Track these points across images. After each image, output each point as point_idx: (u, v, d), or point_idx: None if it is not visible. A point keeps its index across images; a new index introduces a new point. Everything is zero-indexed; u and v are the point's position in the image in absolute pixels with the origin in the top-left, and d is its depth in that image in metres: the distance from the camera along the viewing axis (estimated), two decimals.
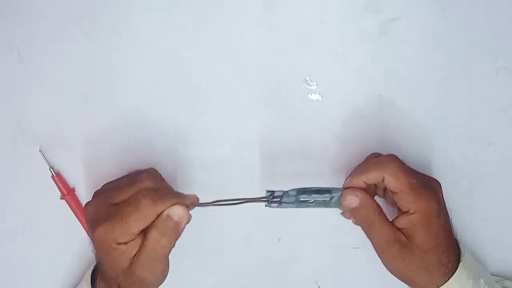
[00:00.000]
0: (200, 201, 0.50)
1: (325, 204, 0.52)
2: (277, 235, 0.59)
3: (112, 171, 0.58)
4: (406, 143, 0.58)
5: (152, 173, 0.51)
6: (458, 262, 0.51)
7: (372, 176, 0.50)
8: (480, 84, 0.59)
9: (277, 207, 0.51)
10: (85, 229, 0.57)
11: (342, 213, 0.54)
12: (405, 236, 0.50)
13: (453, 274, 0.50)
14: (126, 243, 0.47)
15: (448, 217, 0.51)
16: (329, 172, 0.58)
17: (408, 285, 0.52)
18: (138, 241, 0.48)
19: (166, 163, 0.57)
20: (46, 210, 0.57)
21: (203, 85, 0.58)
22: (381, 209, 0.51)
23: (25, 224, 0.58)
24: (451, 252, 0.51)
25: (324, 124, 0.58)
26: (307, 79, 0.58)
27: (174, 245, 0.49)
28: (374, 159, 0.51)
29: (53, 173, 0.57)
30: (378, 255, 0.51)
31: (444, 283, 0.50)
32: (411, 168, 0.51)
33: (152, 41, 0.58)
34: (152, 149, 0.58)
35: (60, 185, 0.57)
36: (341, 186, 0.51)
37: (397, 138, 0.58)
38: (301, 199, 0.51)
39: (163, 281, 0.51)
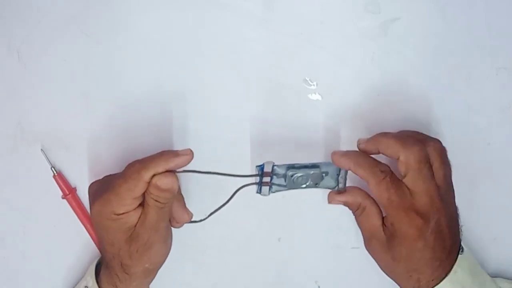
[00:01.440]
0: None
1: (316, 181, 0.53)
2: (277, 235, 0.59)
3: (112, 171, 0.58)
4: None
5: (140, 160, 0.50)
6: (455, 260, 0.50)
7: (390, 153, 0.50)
8: (480, 84, 0.58)
9: (268, 192, 0.52)
10: (86, 229, 0.57)
11: (328, 200, 0.54)
12: (390, 232, 0.50)
13: (443, 278, 0.50)
14: (123, 213, 0.48)
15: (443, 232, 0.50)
16: None
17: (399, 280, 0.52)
18: (138, 211, 0.49)
19: None
20: (47, 210, 0.58)
21: (203, 85, 0.58)
22: (369, 201, 0.51)
23: (25, 224, 0.58)
24: (442, 257, 0.50)
25: (324, 124, 0.58)
26: (307, 79, 0.58)
27: (172, 204, 0.49)
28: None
29: (55, 172, 0.57)
30: (365, 244, 0.53)
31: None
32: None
33: (152, 41, 0.58)
34: (152, 149, 0.58)
35: (61, 184, 0.57)
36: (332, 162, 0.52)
37: None
38: (290, 174, 0.52)
39: (167, 248, 0.51)
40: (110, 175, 0.53)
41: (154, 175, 0.47)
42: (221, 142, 0.58)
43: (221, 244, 0.58)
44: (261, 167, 0.52)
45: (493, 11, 0.58)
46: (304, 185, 0.53)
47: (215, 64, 0.58)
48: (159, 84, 0.58)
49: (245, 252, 0.58)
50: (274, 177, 0.53)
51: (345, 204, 0.53)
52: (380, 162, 0.51)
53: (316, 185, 0.53)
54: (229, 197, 0.52)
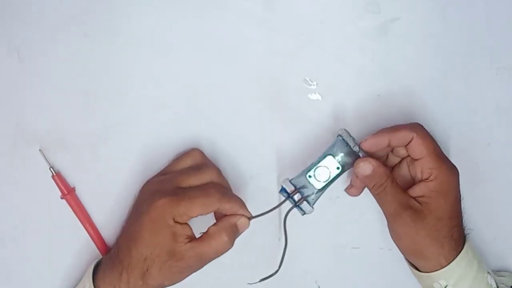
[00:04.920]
0: None
1: (336, 165, 0.53)
2: (277, 235, 0.59)
3: (111, 171, 0.58)
4: None
5: (216, 169, 0.53)
6: (464, 242, 0.52)
7: (401, 135, 0.51)
8: (480, 84, 0.59)
9: (311, 206, 0.53)
10: (85, 229, 0.57)
11: (346, 189, 0.55)
12: (419, 203, 0.51)
13: (461, 250, 0.51)
14: (181, 224, 0.49)
15: (461, 198, 0.52)
16: None
17: (416, 259, 0.53)
18: (188, 229, 0.50)
19: (166, 163, 0.57)
20: (46, 210, 0.57)
21: (203, 85, 0.58)
22: (393, 176, 0.52)
23: (25, 224, 0.58)
24: (461, 229, 0.52)
25: (324, 124, 0.58)
26: (307, 79, 0.58)
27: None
28: (402, 124, 0.53)
29: (54, 172, 0.57)
30: (389, 223, 0.53)
31: (453, 259, 0.51)
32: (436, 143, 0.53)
33: (152, 41, 0.58)
34: (152, 149, 0.58)
35: (60, 184, 0.57)
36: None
37: None
38: (309, 176, 0.53)
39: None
40: (167, 178, 0.52)
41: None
42: (221, 142, 0.58)
43: None
44: (283, 190, 0.53)
45: (493, 11, 0.58)
46: (332, 177, 0.53)
47: (215, 64, 0.58)
48: (159, 84, 0.58)
49: (245, 252, 0.58)
50: (301, 190, 0.53)
51: (375, 173, 0.52)
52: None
53: (342, 168, 0.53)
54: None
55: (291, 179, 0.53)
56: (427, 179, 0.51)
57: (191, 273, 0.51)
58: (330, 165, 0.53)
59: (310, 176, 0.53)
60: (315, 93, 0.58)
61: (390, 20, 0.58)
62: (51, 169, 0.57)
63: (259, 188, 0.58)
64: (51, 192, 0.57)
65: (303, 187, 0.53)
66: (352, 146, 0.52)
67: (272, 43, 0.58)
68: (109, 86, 0.58)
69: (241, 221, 0.51)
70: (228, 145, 0.58)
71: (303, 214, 0.53)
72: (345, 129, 0.53)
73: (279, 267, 0.53)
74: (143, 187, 0.54)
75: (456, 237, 0.51)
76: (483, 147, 0.59)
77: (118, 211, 0.57)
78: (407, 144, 0.51)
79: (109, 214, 0.58)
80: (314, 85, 0.58)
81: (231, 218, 0.51)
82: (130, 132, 0.58)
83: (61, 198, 0.57)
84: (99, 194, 0.58)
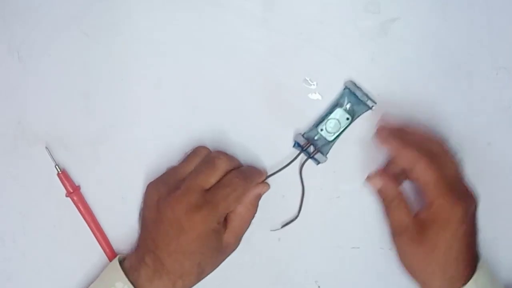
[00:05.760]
0: None
1: (346, 115, 0.56)
2: (277, 235, 0.59)
3: (111, 172, 0.58)
4: None
5: (224, 156, 0.54)
6: (471, 276, 0.51)
7: (404, 160, 0.52)
8: (480, 83, 0.58)
9: (325, 156, 0.56)
10: (89, 227, 0.57)
11: (370, 181, 0.56)
12: (422, 227, 0.51)
13: (465, 283, 0.50)
14: (219, 223, 0.52)
15: (473, 232, 0.52)
16: (329, 171, 0.58)
17: (415, 279, 0.53)
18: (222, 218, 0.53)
19: (167, 163, 0.57)
20: (46, 210, 0.58)
21: (203, 85, 0.58)
22: (401, 194, 0.53)
23: (26, 224, 0.58)
24: (462, 265, 0.51)
25: None
26: (307, 79, 0.58)
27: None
28: (420, 141, 0.53)
29: (59, 170, 0.57)
30: (391, 238, 0.54)
31: None
32: (453, 170, 0.52)
33: (152, 41, 0.58)
34: (152, 149, 0.58)
35: (66, 182, 0.56)
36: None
37: None
38: (321, 129, 0.56)
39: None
40: (190, 187, 0.52)
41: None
42: (221, 141, 0.58)
43: None
44: (297, 144, 0.56)
45: (494, 11, 0.58)
46: (343, 128, 0.56)
47: (215, 64, 0.58)
48: (159, 84, 0.58)
49: (245, 252, 0.58)
50: (314, 141, 0.56)
51: (383, 189, 0.54)
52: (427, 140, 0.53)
53: (352, 118, 0.56)
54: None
55: (303, 133, 0.57)
56: (429, 206, 0.51)
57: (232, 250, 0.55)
58: (340, 117, 0.56)
59: (321, 130, 0.56)
60: (315, 93, 0.58)
61: (390, 20, 0.58)
62: (57, 166, 0.57)
63: None
64: (52, 192, 0.57)
65: (316, 139, 0.56)
66: (359, 96, 0.56)
67: (272, 43, 0.58)
68: (109, 86, 0.58)
69: (264, 189, 0.55)
70: (228, 145, 0.58)
71: (317, 164, 0.57)
72: (351, 81, 0.56)
73: (298, 213, 0.57)
74: (162, 199, 0.52)
75: (452, 273, 0.50)
76: (483, 147, 0.59)
77: (120, 212, 0.57)
78: (412, 168, 0.51)
79: (109, 215, 0.58)
80: (314, 85, 0.58)
81: (253, 189, 0.54)
82: (130, 131, 0.58)
83: (66, 196, 0.57)
84: (99, 194, 0.58)
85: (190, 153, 0.56)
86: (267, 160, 0.58)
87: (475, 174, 0.57)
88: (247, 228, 0.55)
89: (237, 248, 0.55)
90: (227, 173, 0.53)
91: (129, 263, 0.52)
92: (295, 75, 0.58)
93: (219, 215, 0.51)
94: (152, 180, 0.55)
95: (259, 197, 0.54)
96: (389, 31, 0.58)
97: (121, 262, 0.53)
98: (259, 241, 0.58)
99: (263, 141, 0.58)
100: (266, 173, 0.56)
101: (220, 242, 0.52)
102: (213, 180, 0.52)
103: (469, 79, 0.58)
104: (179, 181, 0.52)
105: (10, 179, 0.58)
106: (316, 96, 0.58)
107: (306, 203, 0.58)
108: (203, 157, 0.54)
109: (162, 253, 0.51)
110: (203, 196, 0.51)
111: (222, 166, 0.53)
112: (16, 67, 0.58)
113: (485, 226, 0.58)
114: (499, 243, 0.59)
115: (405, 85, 0.58)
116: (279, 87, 0.58)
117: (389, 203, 0.53)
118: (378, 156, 0.58)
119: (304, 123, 0.58)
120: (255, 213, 0.54)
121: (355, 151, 0.58)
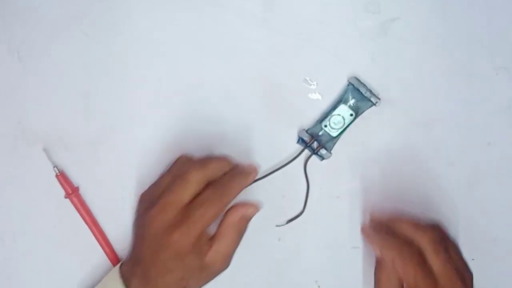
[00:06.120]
0: None
1: (350, 112, 0.56)
2: (277, 235, 0.59)
3: (111, 172, 0.58)
4: (406, 143, 0.58)
5: (196, 165, 0.51)
6: None
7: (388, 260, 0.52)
8: (480, 84, 0.58)
9: (329, 151, 0.57)
10: (89, 228, 0.57)
11: (363, 234, 0.57)
12: None
13: None
14: (200, 239, 0.50)
15: None
16: (328, 171, 0.58)
17: None
18: (207, 234, 0.51)
19: (167, 163, 0.57)
20: (46, 210, 0.57)
21: (203, 85, 0.58)
22: (393, 271, 0.52)
23: (25, 224, 0.58)
24: None
25: None
26: (307, 79, 0.58)
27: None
28: (410, 230, 0.52)
29: (57, 172, 0.57)
30: None
31: None
32: (442, 264, 0.51)
33: (152, 41, 0.58)
34: (152, 149, 0.58)
35: (64, 184, 0.56)
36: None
37: (397, 138, 0.58)
38: (325, 125, 0.56)
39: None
40: (169, 202, 0.50)
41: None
42: (220, 141, 0.58)
43: None
44: (301, 139, 0.57)
45: (494, 11, 0.58)
46: (347, 123, 0.56)
47: (215, 64, 0.58)
48: (159, 84, 0.58)
49: (245, 252, 0.58)
50: (318, 137, 0.56)
51: (380, 249, 0.53)
52: (407, 242, 0.51)
53: (355, 114, 0.56)
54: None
55: (307, 129, 0.57)
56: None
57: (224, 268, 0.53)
58: (344, 113, 0.56)
59: (325, 126, 0.56)
60: (315, 93, 0.58)
61: (390, 20, 0.58)
62: (55, 168, 0.57)
63: (259, 188, 0.58)
64: (52, 192, 0.57)
65: (320, 135, 0.57)
66: (363, 93, 0.56)
67: (272, 43, 0.58)
68: (109, 86, 0.58)
69: (250, 213, 0.52)
70: (228, 145, 0.58)
71: (322, 160, 0.57)
72: (355, 77, 0.56)
73: (303, 208, 0.57)
74: (142, 215, 0.52)
75: None
76: (483, 147, 0.59)
77: (120, 212, 0.57)
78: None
79: (109, 215, 0.58)
80: (314, 85, 0.58)
81: (239, 210, 0.52)
82: (130, 131, 0.58)
83: (65, 197, 0.57)
84: (99, 194, 0.58)
85: (172, 163, 0.54)
86: (267, 160, 0.58)
87: (475, 174, 0.57)
88: (235, 247, 0.52)
89: (237, 248, 0.55)
90: (208, 184, 0.51)
91: (124, 270, 0.52)
92: (295, 75, 0.58)
93: (196, 232, 0.49)
94: (145, 189, 0.54)
95: (245, 218, 0.52)
96: (389, 31, 0.58)
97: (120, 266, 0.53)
98: (259, 241, 0.58)
99: (263, 141, 0.58)
100: (255, 176, 0.53)
101: (201, 260, 0.50)
102: (187, 194, 0.50)
103: (469, 79, 0.58)
104: (157, 197, 0.51)
105: (10, 179, 0.58)
106: (316, 96, 0.58)
107: (307, 202, 0.58)
108: (179, 169, 0.52)
109: (147, 266, 0.50)
110: (181, 213, 0.49)
111: (194, 180, 0.50)
112: (16, 67, 0.58)
113: (485, 226, 0.58)
114: (499, 243, 0.59)
115: (405, 85, 0.58)
116: (279, 87, 0.58)
117: (383, 267, 0.53)
118: (378, 156, 0.58)
119: (304, 123, 0.58)
120: (243, 232, 0.53)
121: (355, 151, 0.58)
